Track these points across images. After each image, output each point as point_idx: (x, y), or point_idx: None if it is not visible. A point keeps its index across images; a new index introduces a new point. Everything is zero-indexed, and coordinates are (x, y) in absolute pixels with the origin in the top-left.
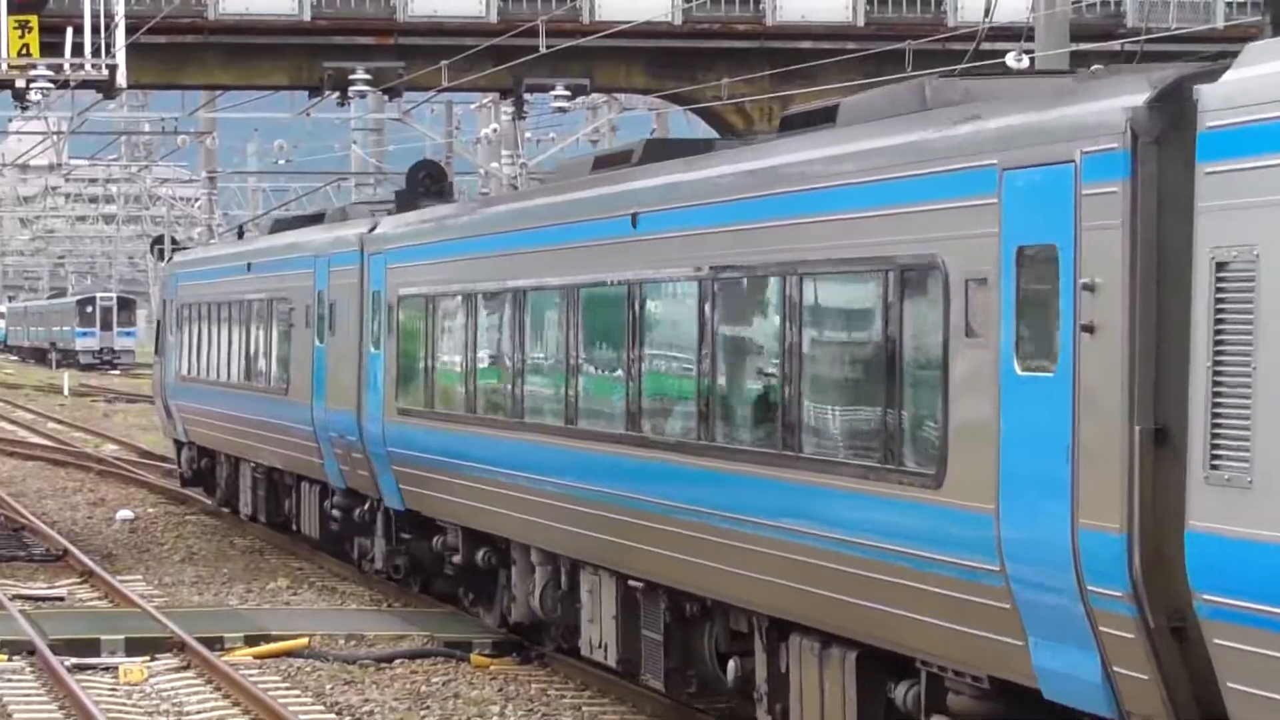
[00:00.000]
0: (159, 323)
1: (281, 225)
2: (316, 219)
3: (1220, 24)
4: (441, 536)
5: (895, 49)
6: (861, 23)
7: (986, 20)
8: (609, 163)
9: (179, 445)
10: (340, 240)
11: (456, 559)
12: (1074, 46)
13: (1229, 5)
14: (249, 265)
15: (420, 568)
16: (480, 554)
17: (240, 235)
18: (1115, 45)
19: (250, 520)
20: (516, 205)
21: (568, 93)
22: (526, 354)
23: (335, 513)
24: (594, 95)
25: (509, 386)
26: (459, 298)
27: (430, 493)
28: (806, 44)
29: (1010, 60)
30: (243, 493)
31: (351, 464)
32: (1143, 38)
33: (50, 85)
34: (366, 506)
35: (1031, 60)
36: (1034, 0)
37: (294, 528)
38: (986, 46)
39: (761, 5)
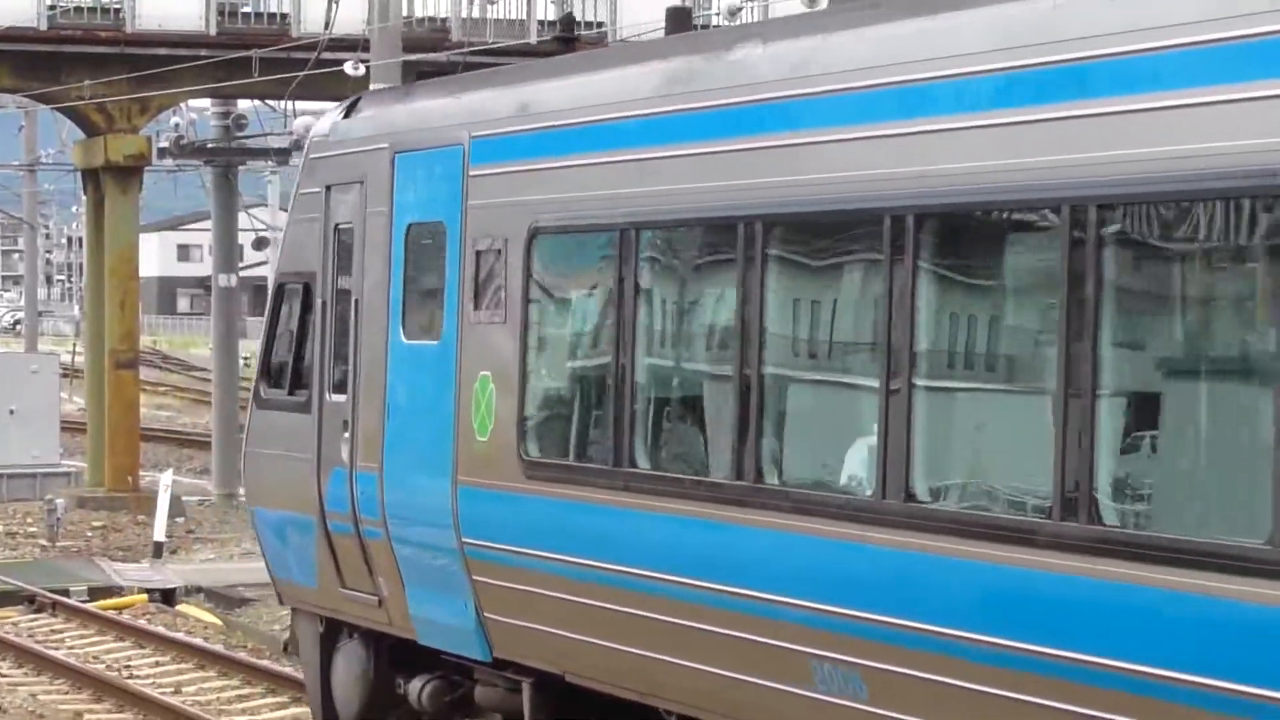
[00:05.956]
0: (275, 295)
1: None
2: None
3: (534, 40)
4: None
5: (243, 56)
6: (214, 31)
7: (327, 32)
8: None
9: (326, 643)
10: None
11: None
12: (406, 56)
13: (540, 24)
14: None
15: None
16: None
17: None
18: (443, 57)
19: None
20: None
21: None
22: None
23: None
24: None
25: None
26: None
27: None
28: (163, 50)
29: (348, 69)
30: None
31: None
32: (465, 50)
33: None
34: None
35: (367, 69)
36: (369, 14)
37: None
38: (327, 55)
39: (121, 14)
